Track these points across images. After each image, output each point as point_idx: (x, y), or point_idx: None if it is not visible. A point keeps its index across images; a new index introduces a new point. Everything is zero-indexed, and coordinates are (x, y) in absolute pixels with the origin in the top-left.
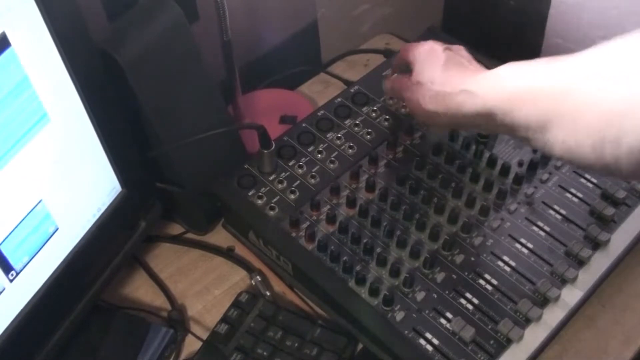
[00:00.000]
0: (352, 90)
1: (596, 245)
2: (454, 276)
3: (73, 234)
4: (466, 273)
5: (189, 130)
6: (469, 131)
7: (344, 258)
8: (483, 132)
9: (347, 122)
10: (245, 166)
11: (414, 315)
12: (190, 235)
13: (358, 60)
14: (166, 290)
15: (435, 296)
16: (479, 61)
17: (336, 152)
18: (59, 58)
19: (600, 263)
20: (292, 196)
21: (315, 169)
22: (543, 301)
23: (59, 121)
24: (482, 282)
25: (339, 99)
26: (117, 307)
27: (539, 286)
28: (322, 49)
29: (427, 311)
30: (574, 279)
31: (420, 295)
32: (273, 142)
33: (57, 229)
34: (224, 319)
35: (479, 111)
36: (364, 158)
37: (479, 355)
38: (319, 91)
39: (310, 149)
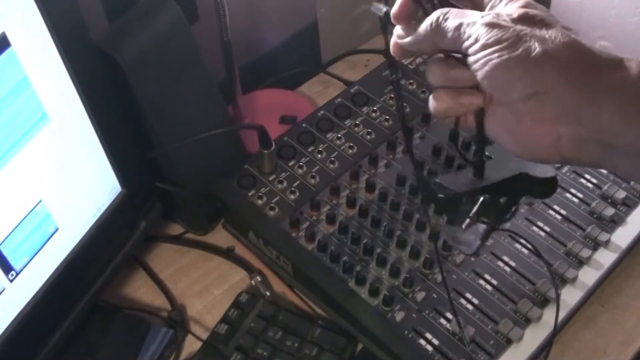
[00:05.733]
0: (352, 91)
1: (596, 245)
2: (454, 276)
3: (73, 234)
4: (466, 273)
5: (189, 131)
6: (468, 131)
7: (344, 258)
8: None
9: (347, 122)
10: (245, 166)
11: (414, 315)
12: (190, 236)
13: (358, 61)
14: (166, 291)
15: (435, 296)
16: None
17: (336, 152)
18: (59, 58)
19: (600, 263)
20: (292, 196)
21: (315, 169)
22: (543, 301)
23: (58, 121)
24: (482, 282)
25: (339, 99)
26: (117, 308)
27: (539, 286)
28: (322, 49)
29: (427, 311)
30: (574, 279)
31: (420, 295)
32: (273, 142)
33: (57, 229)
34: (224, 319)
35: None
36: (364, 158)
37: (479, 355)
38: (319, 91)
39: (310, 149)
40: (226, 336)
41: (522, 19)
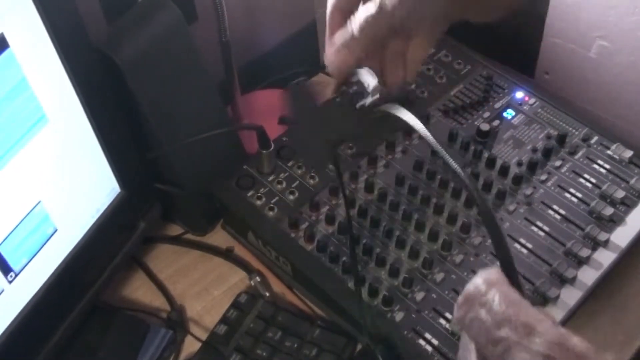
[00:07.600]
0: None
1: (595, 245)
2: (453, 276)
3: (72, 235)
4: (465, 273)
5: (187, 131)
6: (467, 131)
7: (343, 259)
8: None
9: None
10: (244, 167)
11: (413, 315)
12: (189, 236)
13: None
14: (165, 291)
15: (434, 296)
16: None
17: None
18: (58, 59)
19: (599, 263)
20: (291, 197)
21: (314, 169)
22: (542, 301)
23: (57, 122)
24: None
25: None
26: (116, 308)
27: (539, 286)
28: (321, 50)
29: (426, 311)
30: (573, 279)
31: (419, 296)
32: (272, 143)
33: (56, 230)
34: (223, 320)
35: None
36: (363, 159)
37: None
38: (318, 92)
39: None
40: (225, 337)
41: None
